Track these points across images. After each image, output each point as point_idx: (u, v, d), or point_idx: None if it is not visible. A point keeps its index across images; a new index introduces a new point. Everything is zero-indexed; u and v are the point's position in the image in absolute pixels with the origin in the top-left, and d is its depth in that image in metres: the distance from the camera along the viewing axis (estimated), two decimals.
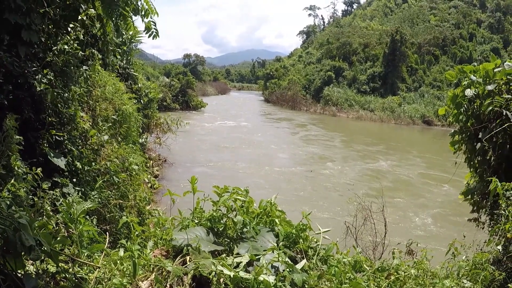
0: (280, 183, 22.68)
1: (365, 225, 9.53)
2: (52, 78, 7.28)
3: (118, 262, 4.29)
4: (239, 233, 4.99)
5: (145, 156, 18.90)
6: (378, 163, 29.72)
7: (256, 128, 47.21)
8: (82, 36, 8.07)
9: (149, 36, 7.94)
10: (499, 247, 5.82)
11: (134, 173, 10.35)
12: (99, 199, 7.91)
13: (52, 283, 3.92)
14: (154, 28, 7.89)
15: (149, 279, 4.15)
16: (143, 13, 7.71)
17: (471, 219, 8.01)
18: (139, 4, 7.64)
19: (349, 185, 21.05)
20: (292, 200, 18.93)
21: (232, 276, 3.95)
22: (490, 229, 6.69)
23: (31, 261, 3.86)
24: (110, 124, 11.78)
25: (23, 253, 3.24)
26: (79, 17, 7.71)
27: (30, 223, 3.32)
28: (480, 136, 7.34)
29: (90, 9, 7.77)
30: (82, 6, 7.55)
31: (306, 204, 18.10)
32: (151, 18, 7.77)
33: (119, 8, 7.24)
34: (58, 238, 3.90)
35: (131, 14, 7.69)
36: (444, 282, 4.80)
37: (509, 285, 4.86)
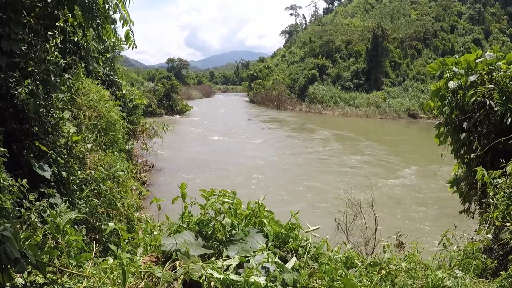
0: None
1: (355, 221, 9.54)
2: (34, 88, 7.21)
3: (108, 270, 4.25)
4: (228, 236, 4.95)
5: (132, 162, 18.82)
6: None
7: (260, 136, 41.82)
8: (61, 43, 8.00)
9: (129, 46, 7.96)
10: (490, 235, 5.86)
11: (121, 180, 10.29)
12: (87, 208, 7.85)
13: None
14: (132, 38, 7.88)
15: (140, 286, 4.11)
16: (121, 22, 7.70)
17: (462, 210, 8.06)
18: (118, 13, 7.63)
19: None
20: None
21: (222, 279, 3.92)
22: (479, 218, 6.73)
23: (19, 274, 3.81)
24: (96, 132, 11.71)
25: (9, 266, 3.19)
26: (58, 24, 7.65)
27: (15, 235, 3.27)
28: (464, 126, 7.38)
29: (68, 15, 7.70)
30: (60, 13, 7.49)
31: None
32: (129, 27, 7.76)
33: (97, 17, 7.23)
34: (45, 249, 3.86)
35: (110, 23, 7.69)
36: (437, 273, 4.81)
37: (501, 272, 4.88)
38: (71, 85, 9.33)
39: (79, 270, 4.37)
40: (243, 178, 23.04)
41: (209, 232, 5.08)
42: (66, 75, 8.65)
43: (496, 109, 6.78)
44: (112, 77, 20.01)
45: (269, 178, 23.69)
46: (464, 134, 7.46)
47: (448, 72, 7.74)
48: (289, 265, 4.45)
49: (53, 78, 7.63)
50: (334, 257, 5.13)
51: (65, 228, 4.23)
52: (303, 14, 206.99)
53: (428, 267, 5.24)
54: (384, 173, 25.40)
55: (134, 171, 16.73)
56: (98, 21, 7.39)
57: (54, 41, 7.70)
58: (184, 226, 5.12)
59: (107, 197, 9.00)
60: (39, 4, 7.15)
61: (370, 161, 28.94)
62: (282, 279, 4.08)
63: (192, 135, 40.53)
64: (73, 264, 4.26)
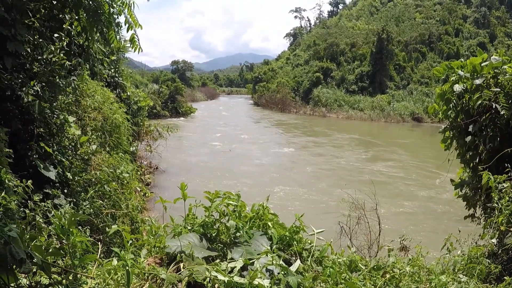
0: None
1: (359, 225, 9.53)
2: (39, 89, 7.23)
3: (112, 271, 4.25)
4: (232, 238, 4.95)
5: (136, 164, 18.83)
6: None
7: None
8: (67, 46, 8.02)
9: (134, 50, 7.98)
10: (494, 240, 5.83)
11: (125, 181, 10.30)
12: (92, 209, 7.86)
13: None
14: (138, 43, 7.91)
15: (144, 287, 4.12)
16: (127, 25, 7.72)
17: (467, 216, 8.03)
18: (124, 17, 7.67)
19: None
20: None
21: (226, 282, 3.92)
22: (484, 222, 6.71)
23: (24, 274, 3.81)
24: (100, 133, 11.73)
25: (14, 266, 3.19)
26: (64, 26, 7.67)
27: (20, 236, 3.28)
28: (470, 130, 7.36)
29: (74, 17, 7.73)
30: (67, 16, 7.52)
31: None
32: (134, 31, 7.78)
33: (101, 21, 7.27)
34: (50, 250, 3.86)
35: (114, 26, 7.71)
36: (440, 277, 4.80)
37: (505, 277, 4.86)
38: (76, 86, 9.35)
39: (84, 271, 4.38)
40: (258, 189, 21.80)
41: (214, 234, 5.09)
42: (71, 76, 8.67)
43: (502, 112, 6.76)
44: (117, 79, 20.09)
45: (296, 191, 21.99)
46: (469, 137, 7.45)
47: (454, 76, 7.72)
48: (293, 268, 4.45)
49: (58, 79, 7.65)
50: (338, 260, 5.12)
51: (70, 229, 4.24)
52: (307, 17, 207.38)
53: (432, 272, 5.23)
54: (423, 181, 24.20)
55: (138, 173, 16.74)
56: (104, 23, 7.41)
57: (60, 43, 7.73)
58: (189, 228, 5.13)
59: (112, 198, 9.01)
60: (45, 6, 7.18)
61: (406, 168, 27.63)
62: (286, 282, 4.08)
63: (196, 140, 39.79)
64: (77, 265, 4.26)
